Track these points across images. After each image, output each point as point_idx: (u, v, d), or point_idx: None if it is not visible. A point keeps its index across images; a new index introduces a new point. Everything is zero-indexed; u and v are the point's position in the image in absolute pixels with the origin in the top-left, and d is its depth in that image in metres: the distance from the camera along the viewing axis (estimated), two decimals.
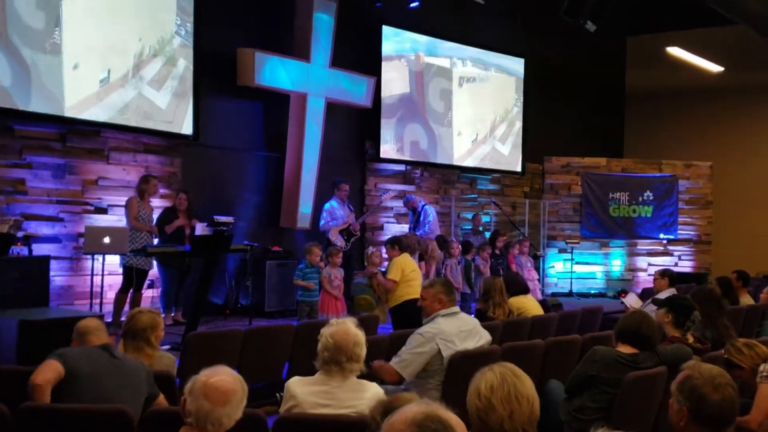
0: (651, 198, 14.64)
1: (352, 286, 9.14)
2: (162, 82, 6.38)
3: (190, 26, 7.58)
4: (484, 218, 13.38)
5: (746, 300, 8.41)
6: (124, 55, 6.11)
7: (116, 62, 6.15)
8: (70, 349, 3.85)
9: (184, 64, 6.83)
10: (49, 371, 3.58)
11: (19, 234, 7.50)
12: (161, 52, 6.31)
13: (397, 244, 8.31)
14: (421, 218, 11.26)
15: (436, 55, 12.78)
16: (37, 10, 5.59)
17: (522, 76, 14.15)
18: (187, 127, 8.86)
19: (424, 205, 11.48)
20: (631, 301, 8.43)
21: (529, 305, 7.36)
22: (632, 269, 14.74)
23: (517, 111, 14.03)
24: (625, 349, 4.46)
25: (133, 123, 7.70)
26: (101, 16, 6.02)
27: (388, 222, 12.29)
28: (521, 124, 14.10)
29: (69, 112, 7.14)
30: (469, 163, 13.36)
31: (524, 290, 7.57)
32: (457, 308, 5.00)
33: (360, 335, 3.73)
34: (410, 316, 7.14)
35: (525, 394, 2.56)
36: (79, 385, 3.63)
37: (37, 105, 6.02)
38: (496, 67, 13.74)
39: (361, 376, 3.75)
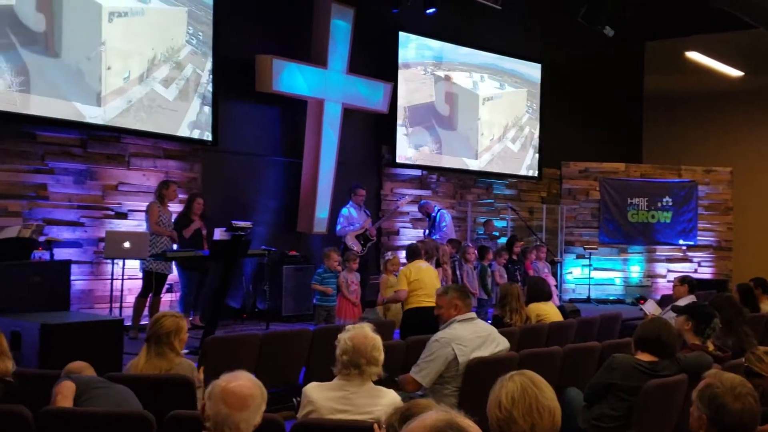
0: (670, 204, 14.55)
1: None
2: (170, 81, 7.96)
3: (202, 35, 8.25)
4: (500, 223, 13.35)
5: (767, 307, 8.33)
6: (140, 60, 7.81)
7: (134, 65, 7.84)
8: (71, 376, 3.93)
9: (192, 68, 8.12)
10: (68, 389, 3.69)
11: (41, 239, 7.58)
12: (170, 59, 7.84)
13: (406, 251, 8.32)
14: (436, 222, 11.25)
15: (452, 61, 12.77)
16: (85, 28, 7.51)
17: (539, 81, 14.13)
18: (190, 118, 8.93)
19: (439, 210, 11.48)
20: (650, 307, 8.38)
21: (551, 312, 7.27)
22: (651, 275, 14.66)
23: (528, 117, 13.93)
24: (644, 356, 4.43)
25: (146, 106, 8.14)
26: (127, 31, 7.74)
27: (404, 227, 12.30)
28: (531, 129, 13.99)
29: (104, 101, 7.91)
30: (482, 163, 13.29)
31: (546, 297, 7.46)
32: (473, 314, 5.00)
33: (378, 339, 3.75)
34: (413, 326, 7.31)
35: (546, 405, 2.54)
36: (91, 394, 3.71)
37: (81, 97, 7.62)
38: (512, 74, 13.70)
39: (380, 382, 3.76)
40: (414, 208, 12.00)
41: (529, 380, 2.60)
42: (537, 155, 14.13)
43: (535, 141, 14.03)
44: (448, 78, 12.64)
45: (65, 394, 3.65)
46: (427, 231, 11.40)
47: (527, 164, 14.01)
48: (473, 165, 13.12)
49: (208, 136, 9.35)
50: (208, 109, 9.11)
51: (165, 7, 7.78)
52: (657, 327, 4.52)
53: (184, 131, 8.56)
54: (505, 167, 13.66)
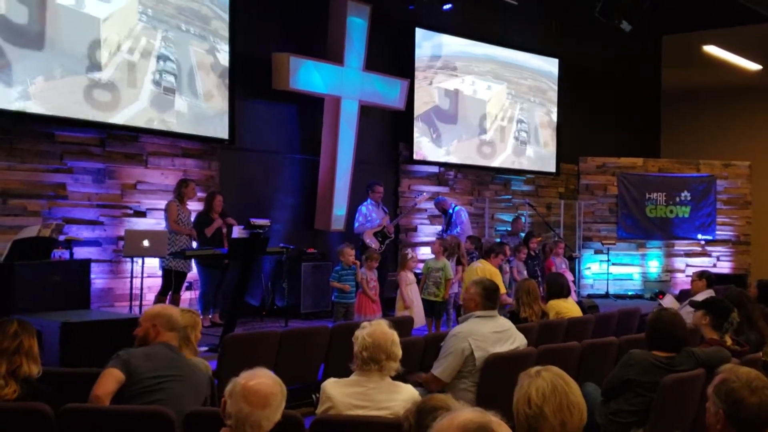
0: (688, 198, 14.46)
1: None
2: (132, 50, 8.63)
3: (151, 10, 8.75)
4: None
5: None
6: (115, 42, 8.48)
7: (113, 46, 8.48)
8: (133, 353, 3.85)
9: (146, 39, 8.71)
10: (109, 382, 3.64)
11: (61, 238, 7.64)
12: (129, 36, 8.59)
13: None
14: (453, 219, 11.22)
15: (468, 57, 12.67)
16: (86, 32, 8.26)
17: (556, 76, 14.07)
18: (151, 69, 8.87)
19: (455, 207, 11.45)
20: (668, 302, 8.35)
21: (571, 309, 7.17)
22: (670, 270, 14.57)
23: (509, 102, 13.46)
24: (661, 352, 4.42)
25: (124, 64, 8.53)
26: (110, 27, 8.46)
27: (422, 224, 12.30)
28: (513, 111, 13.75)
29: (102, 68, 8.31)
30: (490, 134, 13.18)
31: (566, 293, 7.33)
32: (494, 312, 4.98)
33: (395, 335, 3.77)
34: None
35: (575, 402, 2.54)
36: (140, 388, 3.68)
37: (89, 69, 8.23)
38: (528, 70, 13.59)
39: (398, 377, 3.78)
40: (432, 205, 12.00)
41: (559, 377, 2.59)
42: (517, 127, 13.89)
43: (515, 122, 13.59)
44: (450, 75, 12.51)
45: (104, 391, 3.60)
46: (444, 227, 11.37)
47: (513, 135, 13.61)
48: (485, 137, 12.96)
49: (173, 82, 9.02)
50: (163, 63, 8.92)
51: (122, 4, 8.51)
52: (670, 323, 4.49)
53: (149, 77, 8.72)
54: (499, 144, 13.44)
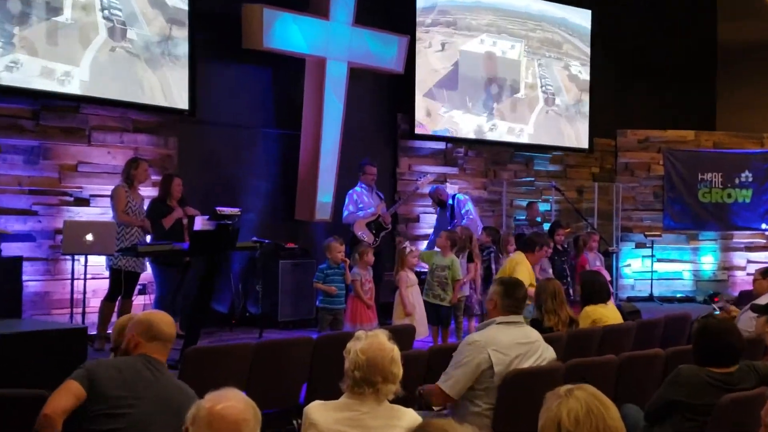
0: (750, 179, 14.50)
1: None
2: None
3: None
4: (543, 206, 13.32)
5: None
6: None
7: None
8: (103, 363, 3.85)
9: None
10: (63, 398, 3.62)
11: None
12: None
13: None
14: (455, 211, 11.16)
15: (461, 8, 12.63)
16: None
17: (589, 32, 14.06)
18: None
19: (455, 195, 11.41)
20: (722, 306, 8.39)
21: (610, 317, 7.05)
22: (727, 267, 14.62)
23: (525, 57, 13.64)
24: (715, 368, 4.43)
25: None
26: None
27: (425, 212, 12.30)
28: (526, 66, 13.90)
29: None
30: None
31: (605, 297, 7.20)
32: (519, 317, 4.99)
33: (396, 351, 3.75)
34: None
35: (613, 427, 2.56)
36: (104, 408, 3.67)
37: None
38: (534, 19, 13.56)
39: (398, 400, 3.78)
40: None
41: (594, 397, 2.61)
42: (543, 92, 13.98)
43: (539, 81, 13.70)
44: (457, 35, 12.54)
45: (54, 409, 3.55)
46: (455, 221, 11.25)
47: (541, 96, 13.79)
48: (518, 96, 13.05)
49: (121, 15, 9.04)
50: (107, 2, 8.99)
51: None
52: (721, 332, 4.51)
53: (100, 14, 8.81)
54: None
